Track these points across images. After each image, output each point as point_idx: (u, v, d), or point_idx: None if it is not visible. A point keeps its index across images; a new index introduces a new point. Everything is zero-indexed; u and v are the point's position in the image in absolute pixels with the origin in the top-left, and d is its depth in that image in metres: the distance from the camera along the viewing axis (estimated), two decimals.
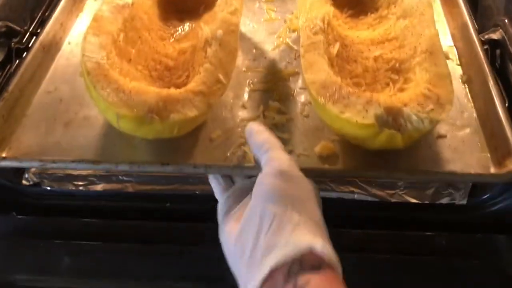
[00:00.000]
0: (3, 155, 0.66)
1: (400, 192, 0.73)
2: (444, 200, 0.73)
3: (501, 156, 0.62)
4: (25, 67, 0.76)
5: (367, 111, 0.56)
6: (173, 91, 0.60)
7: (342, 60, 0.70)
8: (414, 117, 0.56)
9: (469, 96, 0.73)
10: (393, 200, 0.73)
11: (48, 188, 0.77)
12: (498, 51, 0.76)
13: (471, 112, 0.71)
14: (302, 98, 0.73)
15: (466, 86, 0.75)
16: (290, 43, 0.84)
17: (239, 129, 0.69)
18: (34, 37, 0.83)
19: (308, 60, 0.65)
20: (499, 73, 0.74)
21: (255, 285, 0.43)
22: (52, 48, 0.83)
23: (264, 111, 0.71)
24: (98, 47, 0.64)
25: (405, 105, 0.57)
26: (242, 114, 0.71)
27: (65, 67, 0.81)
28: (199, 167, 0.62)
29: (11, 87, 0.73)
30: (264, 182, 0.48)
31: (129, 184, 0.76)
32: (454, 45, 0.81)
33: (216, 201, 0.59)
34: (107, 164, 0.64)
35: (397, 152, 0.63)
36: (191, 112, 0.59)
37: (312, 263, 0.42)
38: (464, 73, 0.76)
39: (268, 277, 0.42)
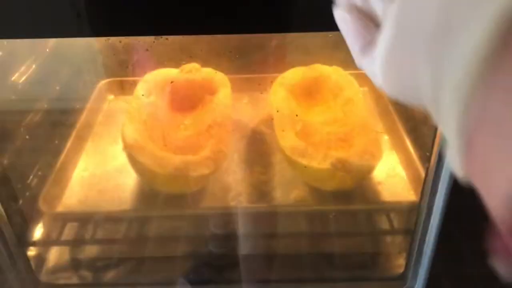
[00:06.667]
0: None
1: None
2: None
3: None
4: (65, 152, 1.00)
5: (324, 161, 0.83)
6: (191, 157, 0.86)
7: (304, 134, 0.98)
8: (356, 164, 0.83)
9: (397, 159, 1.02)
10: None
11: None
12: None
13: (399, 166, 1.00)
14: (277, 164, 1.00)
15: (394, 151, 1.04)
16: (264, 128, 1.13)
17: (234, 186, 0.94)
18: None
19: (281, 134, 0.93)
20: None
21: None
22: (83, 139, 1.08)
23: (250, 173, 0.97)
24: (133, 130, 0.90)
25: (350, 157, 0.85)
26: (235, 175, 0.97)
27: (94, 154, 1.06)
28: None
29: (58, 165, 0.96)
30: None
31: None
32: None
33: None
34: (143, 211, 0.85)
35: (350, 195, 0.89)
36: (205, 171, 0.84)
37: None
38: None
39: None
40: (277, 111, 1.00)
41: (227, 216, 0.88)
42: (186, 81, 1.12)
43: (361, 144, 0.90)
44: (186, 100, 1.12)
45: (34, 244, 0.96)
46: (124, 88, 1.24)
